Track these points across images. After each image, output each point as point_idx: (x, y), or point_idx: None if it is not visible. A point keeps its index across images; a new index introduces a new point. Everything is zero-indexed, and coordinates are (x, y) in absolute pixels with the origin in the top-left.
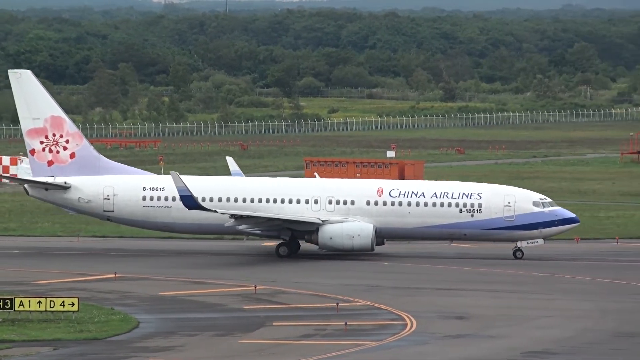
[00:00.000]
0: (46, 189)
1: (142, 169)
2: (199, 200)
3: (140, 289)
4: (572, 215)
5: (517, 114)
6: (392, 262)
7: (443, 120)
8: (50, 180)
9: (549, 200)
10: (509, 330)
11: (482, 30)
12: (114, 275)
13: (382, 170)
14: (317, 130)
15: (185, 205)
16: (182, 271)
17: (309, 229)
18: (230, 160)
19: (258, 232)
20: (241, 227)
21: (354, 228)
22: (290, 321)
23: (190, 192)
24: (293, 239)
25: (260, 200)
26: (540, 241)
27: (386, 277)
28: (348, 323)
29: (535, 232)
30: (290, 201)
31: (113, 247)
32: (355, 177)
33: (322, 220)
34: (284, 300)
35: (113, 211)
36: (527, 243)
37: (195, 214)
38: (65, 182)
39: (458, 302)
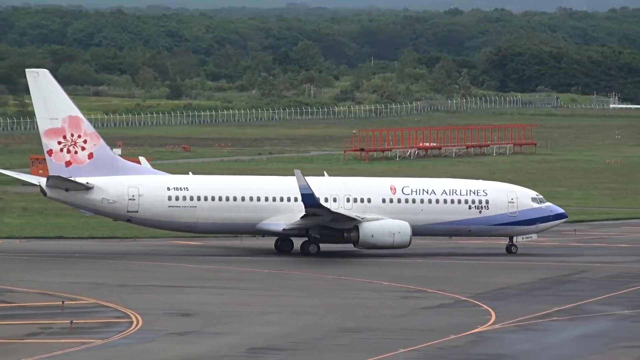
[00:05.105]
0: (66, 190)
1: None
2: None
3: None
4: (562, 210)
5: (243, 111)
6: (117, 260)
7: (169, 118)
8: (72, 179)
9: (542, 196)
10: (234, 326)
11: (207, 29)
12: None
13: None
14: None
15: (306, 204)
16: None
17: (347, 227)
18: (142, 160)
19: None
20: (288, 225)
21: (394, 225)
22: (14, 320)
23: (312, 191)
24: (287, 237)
25: (281, 199)
26: (535, 236)
27: (112, 275)
28: (74, 321)
29: (532, 227)
30: None
31: None
32: None
33: (362, 218)
34: (9, 298)
35: (137, 212)
36: (523, 238)
37: (219, 214)
38: (87, 183)
39: (184, 300)
